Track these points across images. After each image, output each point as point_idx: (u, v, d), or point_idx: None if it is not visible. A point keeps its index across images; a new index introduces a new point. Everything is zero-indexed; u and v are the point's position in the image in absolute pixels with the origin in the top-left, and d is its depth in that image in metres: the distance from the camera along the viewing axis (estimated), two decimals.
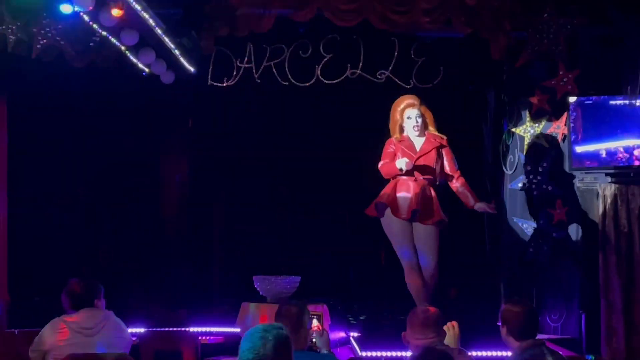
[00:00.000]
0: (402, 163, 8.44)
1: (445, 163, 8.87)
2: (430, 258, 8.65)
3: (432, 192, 8.72)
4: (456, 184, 8.89)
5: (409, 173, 8.58)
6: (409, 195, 8.58)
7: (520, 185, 9.72)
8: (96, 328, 6.30)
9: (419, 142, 8.79)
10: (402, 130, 8.84)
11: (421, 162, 8.69)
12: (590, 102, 9.29)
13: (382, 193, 8.70)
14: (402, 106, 8.85)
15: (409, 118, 8.79)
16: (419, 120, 8.77)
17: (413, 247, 8.63)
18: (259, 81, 10.46)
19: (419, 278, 8.58)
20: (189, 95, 10.89)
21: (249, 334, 3.82)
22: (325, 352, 5.81)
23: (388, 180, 8.76)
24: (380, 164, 8.77)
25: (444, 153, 8.86)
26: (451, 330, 5.60)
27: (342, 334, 8.47)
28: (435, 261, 8.67)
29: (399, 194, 8.62)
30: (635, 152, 9.24)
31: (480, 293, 10.36)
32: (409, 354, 5.43)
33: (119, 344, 6.41)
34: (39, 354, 6.25)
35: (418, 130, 8.77)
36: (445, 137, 8.88)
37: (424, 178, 8.67)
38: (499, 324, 5.45)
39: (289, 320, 5.20)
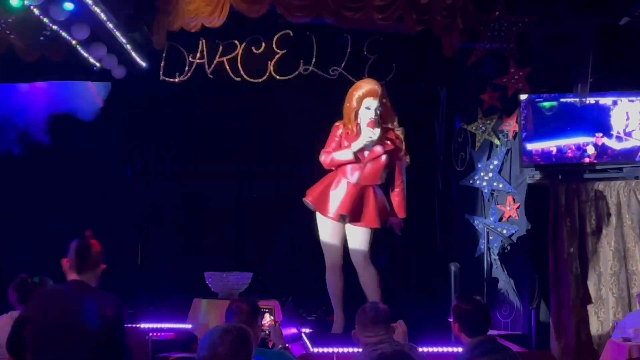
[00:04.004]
0: (362, 143, 7.92)
1: (395, 171, 8.25)
2: (358, 257, 8.15)
3: (371, 196, 8.12)
4: (393, 195, 8.30)
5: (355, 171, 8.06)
6: (341, 196, 8.07)
7: (471, 182, 9.77)
8: None
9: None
10: (356, 117, 8.11)
11: (367, 168, 8.11)
12: (541, 99, 9.37)
13: (316, 187, 8.28)
14: (361, 92, 8.09)
15: (367, 109, 8.04)
16: (378, 112, 8.05)
17: (341, 247, 8.24)
18: (211, 77, 10.41)
19: (340, 280, 8.27)
20: (140, 90, 10.81)
21: (210, 332, 3.80)
22: (280, 346, 5.79)
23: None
24: (323, 156, 8.17)
25: (396, 161, 8.20)
26: (399, 327, 5.61)
27: (293, 330, 8.46)
28: (364, 258, 8.13)
29: (332, 191, 8.13)
30: (585, 149, 9.34)
31: (432, 289, 10.39)
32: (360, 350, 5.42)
33: None
34: None
35: (373, 124, 8.03)
36: (401, 137, 8.25)
37: (365, 184, 8.12)
38: (451, 320, 5.47)
39: (240, 317, 5.17)
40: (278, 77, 10.29)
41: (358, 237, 8.18)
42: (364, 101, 8.07)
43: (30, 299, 4.85)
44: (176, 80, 10.45)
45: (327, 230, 8.25)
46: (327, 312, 9.48)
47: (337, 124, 8.28)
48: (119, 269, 10.68)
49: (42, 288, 4.94)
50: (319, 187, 8.29)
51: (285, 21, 9.34)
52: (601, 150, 9.35)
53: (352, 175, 8.12)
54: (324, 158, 8.19)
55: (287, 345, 5.96)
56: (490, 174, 9.62)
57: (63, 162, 10.80)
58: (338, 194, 8.12)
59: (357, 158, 8.07)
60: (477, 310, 5.22)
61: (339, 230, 8.22)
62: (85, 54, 9.30)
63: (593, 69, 9.16)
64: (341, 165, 8.16)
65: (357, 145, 8.00)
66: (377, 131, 7.99)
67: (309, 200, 8.26)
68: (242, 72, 10.32)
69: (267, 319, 6.12)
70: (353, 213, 8.10)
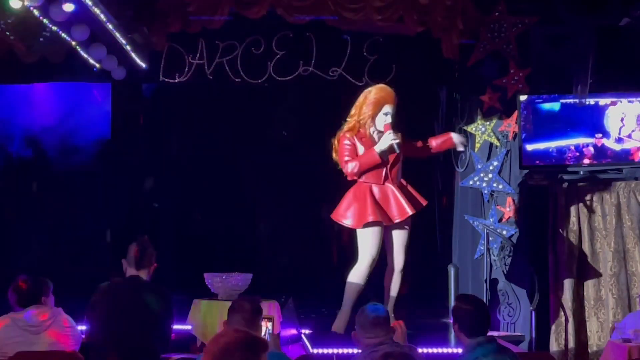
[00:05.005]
0: (386, 144, 7.91)
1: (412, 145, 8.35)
2: (400, 257, 8.21)
3: (395, 191, 8.08)
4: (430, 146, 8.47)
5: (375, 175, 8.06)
6: (369, 203, 7.96)
7: (471, 183, 9.77)
8: (44, 325, 6.23)
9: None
10: (372, 121, 8.08)
11: (388, 169, 8.09)
12: (541, 100, 9.37)
13: (343, 206, 8.13)
14: (380, 95, 8.09)
15: (386, 114, 8.05)
16: (393, 118, 8.07)
17: (380, 250, 8.12)
18: (210, 77, 10.41)
19: (364, 280, 8.14)
20: (140, 91, 10.81)
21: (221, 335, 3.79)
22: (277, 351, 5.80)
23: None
24: (349, 165, 7.98)
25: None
26: (398, 328, 5.61)
27: (293, 331, 8.45)
28: (405, 258, 8.23)
29: (358, 202, 8.02)
30: (585, 151, 9.34)
31: (431, 290, 10.39)
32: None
33: (68, 342, 6.35)
34: None
35: (390, 127, 8.00)
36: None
37: (387, 183, 8.10)
38: (451, 320, 5.48)
39: (242, 316, 5.19)
40: (278, 78, 10.28)
41: (399, 237, 8.22)
42: (384, 107, 8.05)
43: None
44: (176, 81, 10.45)
45: (368, 236, 8.04)
46: (328, 312, 9.51)
47: (344, 134, 8.10)
48: (119, 270, 10.71)
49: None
50: (345, 204, 8.13)
51: (285, 22, 9.34)
52: (601, 151, 9.35)
53: (375, 178, 8.08)
54: (352, 166, 7.99)
55: (283, 353, 5.99)
56: (490, 175, 9.61)
57: (62, 163, 10.82)
58: (365, 202, 8.00)
59: (382, 160, 8.02)
60: (477, 310, 5.23)
61: (379, 235, 8.05)
62: (85, 55, 9.29)
63: (593, 70, 9.16)
64: (367, 171, 8.04)
65: (380, 146, 7.96)
66: (398, 135, 8.03)
67: (343, 221, 8.12)
68: (241, 72, 10.31)
69: (267, 328, 6.15)
70: (385, 215, 8.03)
